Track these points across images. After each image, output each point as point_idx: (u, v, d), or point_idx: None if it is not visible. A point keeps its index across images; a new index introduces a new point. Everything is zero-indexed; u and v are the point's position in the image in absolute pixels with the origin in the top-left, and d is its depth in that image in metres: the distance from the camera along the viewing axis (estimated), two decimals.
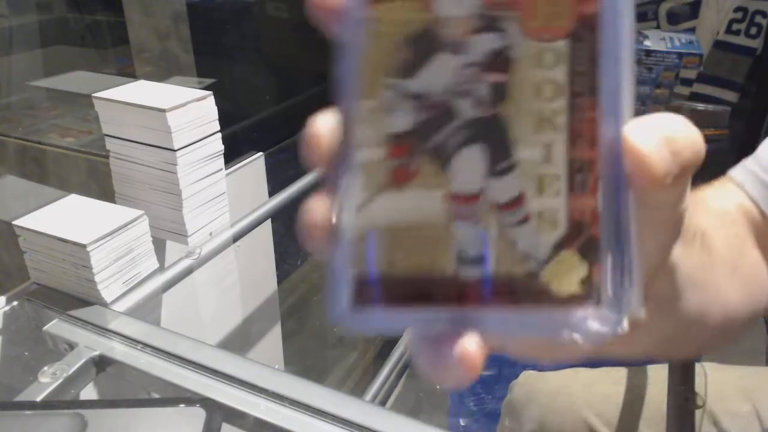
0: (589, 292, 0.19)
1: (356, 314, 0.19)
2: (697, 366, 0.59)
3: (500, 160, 0.19)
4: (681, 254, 0.30)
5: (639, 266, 0.20)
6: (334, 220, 0.19)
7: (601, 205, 0.19)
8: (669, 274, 0.30)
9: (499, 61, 0.19)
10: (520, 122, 0.19)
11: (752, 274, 0.42)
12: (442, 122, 0.19)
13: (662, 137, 0.19)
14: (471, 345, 0.19)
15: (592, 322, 0.19)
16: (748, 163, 0.47)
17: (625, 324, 0.19)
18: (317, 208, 0.20)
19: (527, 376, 0.76)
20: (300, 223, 0.20)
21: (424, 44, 0.19)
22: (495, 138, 0.19)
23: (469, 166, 0.19)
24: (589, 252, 0.19)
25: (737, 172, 0.47)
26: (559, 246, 0.19)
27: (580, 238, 0.19)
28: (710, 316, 0.37)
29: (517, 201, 0.19)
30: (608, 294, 0.19)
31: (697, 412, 0.55)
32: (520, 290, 0.19)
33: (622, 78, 0.19)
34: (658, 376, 0.69)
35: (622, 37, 0.19)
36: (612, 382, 0.70)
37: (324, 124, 0.20)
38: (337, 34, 0.20)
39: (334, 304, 0.19)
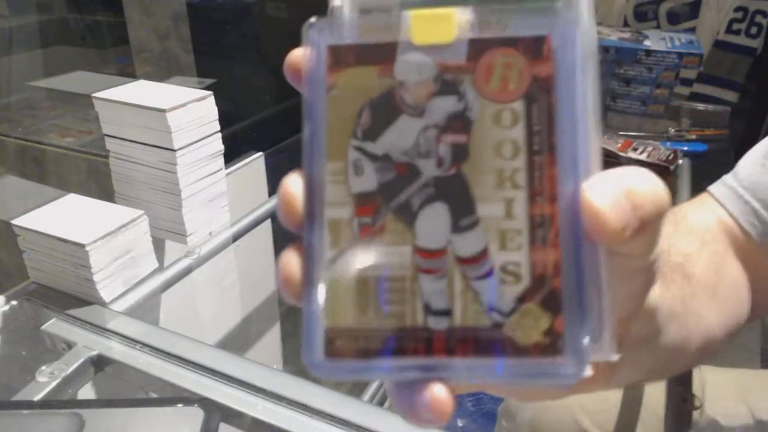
0: (552, 342, 0.19)
1: (329, 364, 0.20)
2: (694, 369, 0.59)
3: (463, 216, 0.20)
4: (661, 294, 0.31)
5: (610, 313, 0.21)
6: (305, 276, 0.20)
7: (563, 259, 0.20)
8: (647, 316, 0.31)
9: (459, 122, 0.20)
10: (482, 180, 0.20)
11: (732, 291, 0.43)
12: (406, 181, 0.20)
13: (620, 192, 0.20)
14: (439, 392, 0.20)
15: (556, 370, 0.19)
16: (727, 179, 0.47)
17: (588, 371, 0.19)
18: (292, 262, 0.21)
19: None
20: (277, 275, 0.21)
21: (387, 108, 0.21)
22: (458, 195, 0.20)
23: (434, 222, 0.20)
24: (551, 304, 0.20)
25: (717, 188, 0.47)
26: (522, 299, 0.20)
27: (542, 290, 0.20)
28: (691, 342, 0.38)
29: (481, 255, 0.20)
30: (569, 344, 0.19)
31: (695, 414, 0.55)
32: (486, 340, 0.20)
33: (579, 136, 0.20)
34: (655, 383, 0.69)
35: (578, 97, 0.20)
36: None
37: (296, 186, 0.21)
38: (304, 97, 0.21)
39: (309, 355, 0.20)
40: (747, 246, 0.45)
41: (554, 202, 0.20)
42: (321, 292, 0.20)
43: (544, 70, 0.20)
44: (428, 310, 0.20)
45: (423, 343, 0.20)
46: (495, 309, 0.20)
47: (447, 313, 0.20)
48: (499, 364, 0.20)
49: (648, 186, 0.21)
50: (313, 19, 0.21)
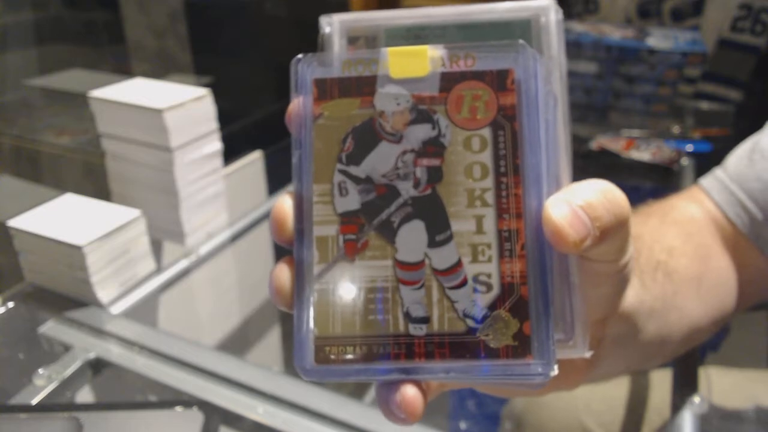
0: (521, 345, 0.22)
1: (319, 369, 0.22)
2: (701, 370, 0.59)
3: (439, 232, 0.23)
4: (639, 295, 0.33)
5: (582, 314, 0.24)
6: (295, 289, 0.23)
7: (529, 269, 0.22)
8: (624, 316, 0.32)
9: (433, 147, 0.23)
10: (454, 199, 0.23)
11: (718, 281, 0.44)
12: (387, 201, 0.23)
13: (579, 206, 0.22)
14: (410, 392, 0.22)
15: (526, 371, 0.22)
16: (717, 171, 0.49)
17: (555, 370, 0.22)
18: (283, 273, 0.23)
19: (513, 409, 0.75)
20: (269, 285, 0.23)
21: (368, 135, 0.23)
22: (433, 213, 0.23)
23: (412, 238, 0.23)
24: (520, 310, 0.22)
25: (706, 180, 0.49)
26: (493, 306, 0.22)
27: (511, 298, 0.22)
28: (672, 336, 0.40)
29: (455, 267, 0.23)
30: (537, 346, 0.22)
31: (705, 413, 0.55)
32: (461, 344, 0.22)
33: (542, 158, 0.22)
34: (660, 381, 0.68)
35: (540, 124, 0.22)
36: (613, 386, 0.69)
37: (287, 205, 0.24)
38: (293, 129, 0.24)
39: (301, 360, 0.22)
40: (734, 236, 0.46)
41: (520, 218, 0.22)
42: (310, 304, 0.23)
43: (508, 100, 0.23)
44: (408, 317, 0.22)
45: (404, 348, 0.22)
46: (469, 316, 0.22)
47: (426, 320, 0.22)
48: (474, 365, 0.22)
49: (606, 198, 0.23)
50: (300, 55, 0.24)
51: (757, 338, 0.85)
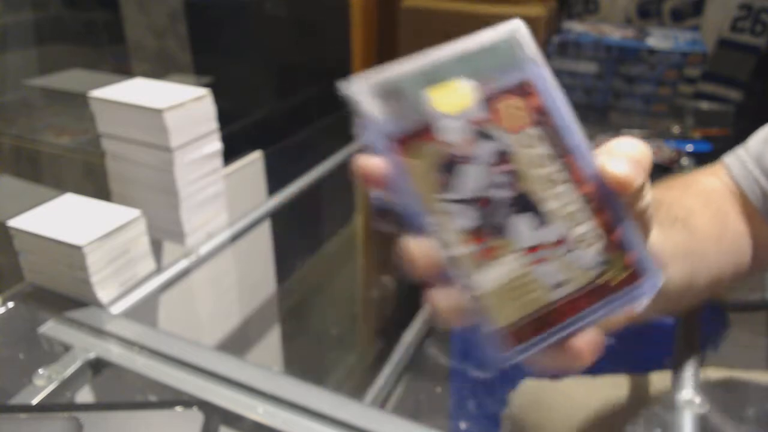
0: (631, 272, 0.29)
1: (504, 355, 0.27)
2: (701, 370, 0.59)
3: (539, 215, 0.28)
4: (661, 239, 0.38)
5: (645, 245, 0.30)
6: (461, 304, 0.27)
7: (612, 217, 0.29)
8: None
9: (502, 155, 0.28)
10: (537, 187, 0.28)
11: (735, 241, 0.49)
12: (491, 209, 0.28)
13: (629, 158, 0.28)
14: (581, 340, 0.28)
15: (642, 290, 0.29)
16: (739, 149, 0.53)
17: (662, 278, 0.29)
18: (417, 246, 0.27)
19: (526, 387, 0.76)
20: (402, 257, 0.28)
21: (450, 165, 0.28)
22: (528, 204, 0.28)
23: (524, 228, 0.28)
24: (619, 248, 0.29)
25: (728, 157, 0.54)
26: (601, 253, 0.28)
27: (610, 242, 0.29)
28: (697, 280, 0.45)
29: (563, 237, 0.28)
30: (642, 267, 0.29)
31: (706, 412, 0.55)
32: (593, 291, 0.28)
33: (578, 133, 0.29)
34: (660, 381, 0.68)
35: (564, 110, 0.29)
36: (612, 386, 0.69)
37: (416, 244, 0.27)
38: (389, 179, 0.28)
39: (489, 354, 0.27)
40: (749, 210, 0.50)
41: (587, 182, 0.29)
42: (476, 309, 0.27)
43: (535, 101, 0.29)
44: (551, 287, 0.28)
45: (557, 311, 0.28)
46: (588, 268, 0.28)
47: (563, 284, 0.28)
48: (610, 302, 0.28)
49: (637, 147, 0.29)
50: (357, 120, 0.28)
51: (757, 338, 0.85)
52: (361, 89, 0.27)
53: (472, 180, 0.28)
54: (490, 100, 0.28)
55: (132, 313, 0.65)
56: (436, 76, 0.28)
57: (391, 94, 0.27)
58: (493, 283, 0.27)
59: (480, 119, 0.28)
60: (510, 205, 0.28)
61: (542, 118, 0.28)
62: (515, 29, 0.29)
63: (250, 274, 1.00)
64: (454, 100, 0.28)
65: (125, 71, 1.27)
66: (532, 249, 0.28)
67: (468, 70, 0.28)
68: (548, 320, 0.28)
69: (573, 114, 0.29)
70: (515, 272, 0.28)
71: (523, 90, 0.28)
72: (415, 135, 0.27)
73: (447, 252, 0.27)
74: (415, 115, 0.27)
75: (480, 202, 0.28)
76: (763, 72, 1.31)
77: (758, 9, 1.28)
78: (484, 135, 0.28)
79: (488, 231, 0.28)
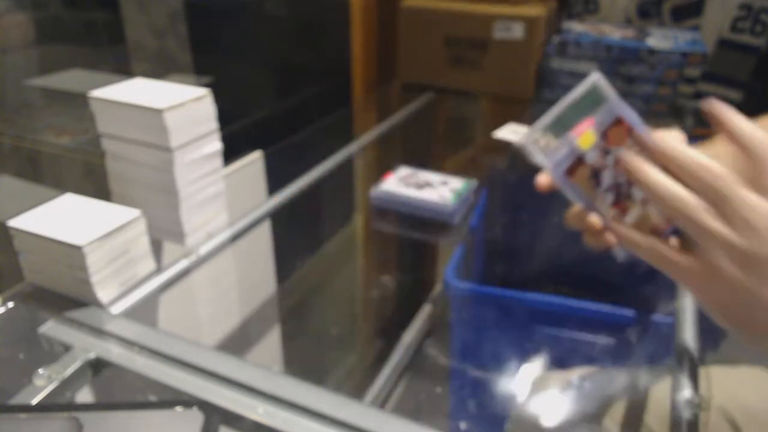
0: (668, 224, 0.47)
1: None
2: (702, 370, 0.59)
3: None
4: None
5: None
6: (618, 234, 0.48)
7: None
8: None
9: (618, 160, 0.46)
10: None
11: None
12: (622, 190, 0.47)
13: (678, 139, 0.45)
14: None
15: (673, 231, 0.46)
16: None
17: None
18: (592, 218, 0.48)
19: (518, 418, 0.75)
20: (584, 227, 0.49)
21: (597, 174, 0.47)
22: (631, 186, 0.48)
23: (636, 194, 0.47)
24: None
25: None
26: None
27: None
28: None
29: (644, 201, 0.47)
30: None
31: (702, 415, 0.55)
32: (667, 230, 0.46)
33: (649, 132, 0.46)
34: (659, 381, 0.68)
35: (640, 126, 0.46)
36: (612, 386, 0.69)
37: (591, 218, 0.48)
38: (566, 191, 0.48)
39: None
40: None
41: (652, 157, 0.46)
42: (626, 233, 0.48)
43: (625, 125, 0.46)
44: (653, 216, 0.47)
45: (658, 225, 0.47)
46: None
47: (679, 231, 0.46)
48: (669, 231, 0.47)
49: (681, 135, 0.46)
50: (534, 160, 0.47)
51: None
52: (530, 141, 0.46)
53: (607, 178, 0.47)
54: (603, 133, 0.46)
55: (132, 313, 0.65)
56: (566, 122, 0.46)
57: (549, 141, 0.46)
58: (631, 220, 0.47)
59: (602, 146, 0.46)
60: (628, 184, 0.46)
61: (630, 132, 0.46)
62: (596, 80, 0.46)
63: (250, 274, 1.00)
64: (587, 139, 0.46)
65: (125, 71, 1.27)
66: (643, 202, 0.47)
67: (579, 113, 0.46)
68: (655, 230, 0.46)
69: (642, 120, 0.46)
70: (639, 214, 0.47)
71: (618, 120, 0.46)
72: (575, 165, 0.46)
73: (606, 215, 0.47)
74: (568, 151, 0.46)
75: (614, 187, 0.47)
76: (763, 72, 1.31)
77: (758, 9, 1.28)
78: (606, 152, 0.46)
79: (621, 200, 0.47)
